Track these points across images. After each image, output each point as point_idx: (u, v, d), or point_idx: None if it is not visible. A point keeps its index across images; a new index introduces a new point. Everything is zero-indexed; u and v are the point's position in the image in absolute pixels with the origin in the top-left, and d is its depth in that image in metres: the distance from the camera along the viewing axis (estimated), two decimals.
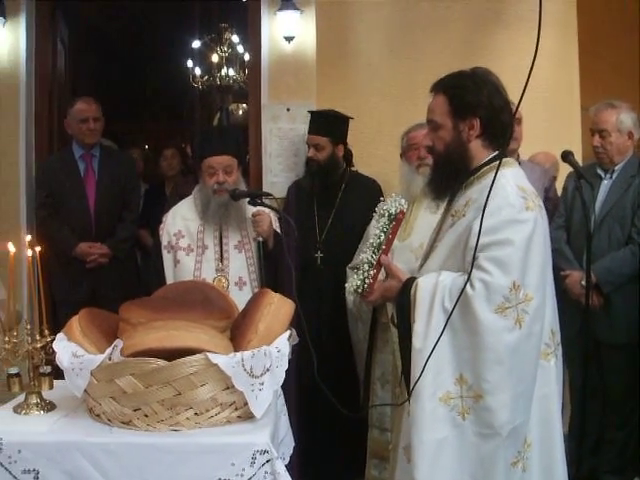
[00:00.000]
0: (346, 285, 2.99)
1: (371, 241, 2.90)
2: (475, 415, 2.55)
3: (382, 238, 2.88)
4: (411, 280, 2.74)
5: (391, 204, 2.90)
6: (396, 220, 2.89)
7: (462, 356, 2.56)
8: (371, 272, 2.85)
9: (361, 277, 2.87)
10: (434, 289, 2.62)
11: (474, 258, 2.54)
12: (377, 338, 4.09)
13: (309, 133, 4.81)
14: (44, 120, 5.74)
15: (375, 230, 2.92)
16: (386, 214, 2.90)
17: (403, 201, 2.93)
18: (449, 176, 2.85)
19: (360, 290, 2.88)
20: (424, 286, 2.66)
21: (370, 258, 2.86)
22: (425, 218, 3.94)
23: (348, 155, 4.88)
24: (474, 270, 2.55)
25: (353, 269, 4.25)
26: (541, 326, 2.63)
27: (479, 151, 2.79)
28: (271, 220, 3.85)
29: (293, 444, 2.94)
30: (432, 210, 3.85)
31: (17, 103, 5.42)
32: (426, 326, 2.59)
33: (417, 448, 2.55)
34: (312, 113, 4.87)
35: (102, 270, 5.16)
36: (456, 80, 2.81)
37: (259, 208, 3.77)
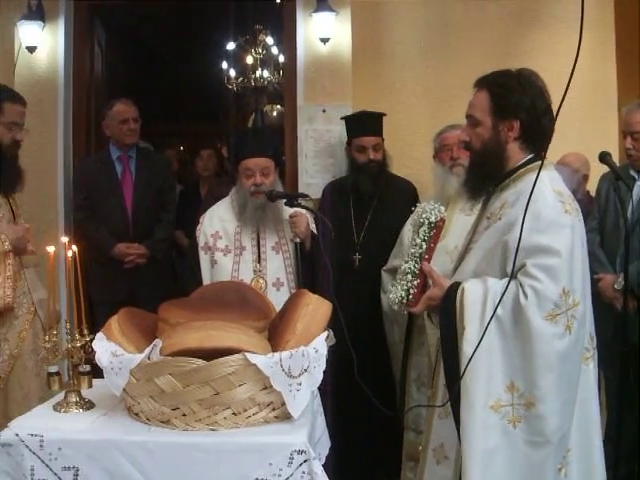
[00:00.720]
0: (390, 296, 2.96)
1: (412, 251, 2.88)
2: (526, 423, 2.54)
3: (424, 247, 2.86)
4: (455, 285, 2.71)
5: (430, 212, 2.87)
6: (436, 228, 2.86)
7: (513, 363, 2.55)
8: (415, 282, 2.84)
9: (405, 287, 2.85)
10: (484, 295, 2.60)
11: (514, 265, 2.53)
12: (413, 340, 4.08)
13: (363, 134, 4.75)
14: (82, 122, 5.83)
15: (416, 239, 2.89)
16: (426, 222, 2.87)
17: (442, 208, 2.91)
18: (485, 176, 2.83)
19: (405, 301, 2.86)
20: (473, 292, 2.63)
21: (413, 268, 2.85)
22: (460, 219, 3.92)
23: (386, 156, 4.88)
24: (523, 277, 2.54)
25: (388, 272, 4.25)
26: (584, 331, 2.63)
27: (516, 153, 2.77)
28: (308, 221, 3.85)
29: (329, 444, 2.93)
30: (467, 212, 3.85)
31: (55, 106, 5.51)
32: (478, 333, 2.56)
33: (469, 457, 2.53)
34: (364, 114, 4.84)
35: (139, 270, 5.21)
36: (501, 79, 2.78)
37: (296, 209, 3.77)
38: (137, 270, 5.21)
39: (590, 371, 2.71)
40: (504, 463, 2.53)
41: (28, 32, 5.52)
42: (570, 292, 2.53)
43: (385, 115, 4.80)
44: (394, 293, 2.90)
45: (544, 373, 2.51)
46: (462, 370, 2.56)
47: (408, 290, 2.85)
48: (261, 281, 3.78)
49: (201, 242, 3.93)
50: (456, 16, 5.63)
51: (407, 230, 4.18)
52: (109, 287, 5.15)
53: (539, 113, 2.72)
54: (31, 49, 5.53)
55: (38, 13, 5.51)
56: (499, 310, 2.55)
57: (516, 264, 2.55)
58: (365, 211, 4.68)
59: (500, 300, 2.53)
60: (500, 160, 2.78)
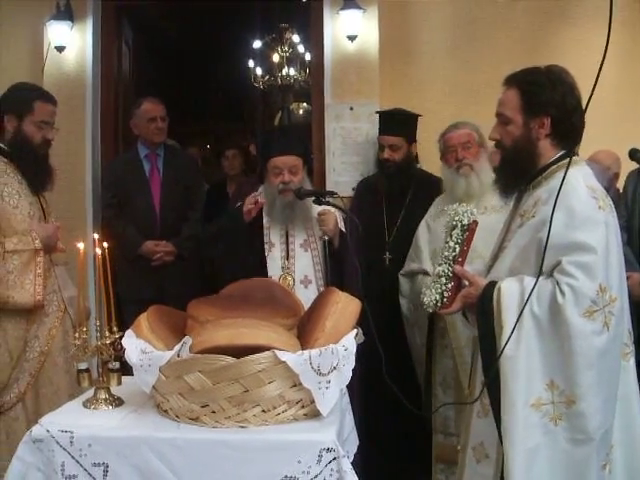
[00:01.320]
0: (424, 299, 2.95)
1: (446, 254, 2.88)
2: (568, 421, 2.53)
3: (457, 250, 2.86)
4: (491, 285, 2.71)
5: (463, 214, 2.88)
6: (469, 230, 2.87)
7: (553, 361, 2.55)
8: (449, 285, 2.83)
9: (439, 291, 2.85)
10: (521, 295, 2.59)
11: (542, 262, 2.54)
12: (436, 343, 4.07)
13: (382, 133, 4.78)
14: (110, 121, 5.86)
15: (449, 242, 2.89)
16: (459, 225, 2.88)
17: (475, 210, 2.92)
18: (516, 174, 2.83)
19: (439, 304, 2.86)
20: (509, 291, 2.63)
21: (447, 271, 2.84)
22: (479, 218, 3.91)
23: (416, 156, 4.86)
24: (559, 275, 2.54)
25: (406, 276, 4.22)
26: (623, 327, 2.61)
27: (547, 150, 2.77)
28: (337, 219, 3.84)
29: (357, 442, 2.93)
30: (480, 210, 3.85)
31: (84, 105, 5.55)
32: (517, 332, 2.56)
33: (511, 456, 2.52)
34: (383, 113, 4.84)
35: (166, 268, 5.23)
36: (531, 76, 2.78)
37: (325, 207, 3.77)
38: (164, 268, 5.23)
39: (630, 367, 2.70)
40: (547, 461, 2.53)
41: (57, 32, 5.56)
42: (607, 288, 2.52)
43: (419, 115, 4.80)
44: (428, 296, 2.89)
45: (584, 370, 2.50)
46: (501, 370, 2.56)
47: (442, 293, 2.85)
48: (289, 278, 3.78)
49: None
50: (484, 13, 5.60)
51: (422, 232, 4.17)
52: (137, 285, 5.17)
53: (569, 109, 2.71)
54: (60, 49, 5.58)
55: (67, 13, 5.55)
56: (536, 309, 2.55)
57: (552, 262, 2.56)
58: (397, 209, 4.65)
59: (528, 298, 2.54)
60: (532, 157, 2.77)
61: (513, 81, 2.80)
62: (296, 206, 3.83)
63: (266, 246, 3.88)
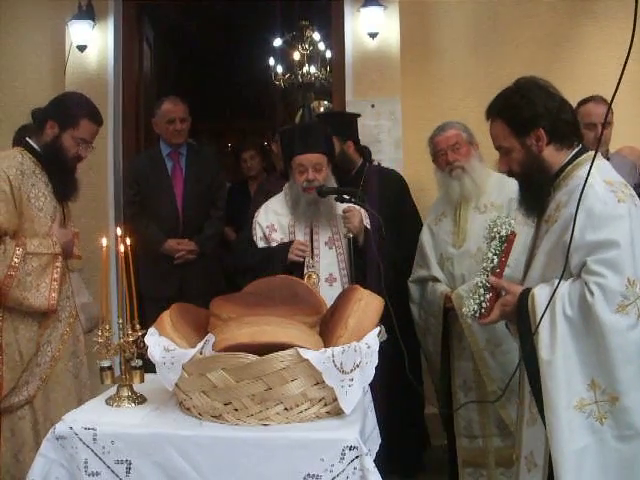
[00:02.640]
0: (463, 310, 3.02)
1: (484, 265, 2.91)
2: (613, 418, 2.52)
3: (495, 261, 2.89)
4: (526, 292, 2.73)
5: (501, 225, 2.91)
6: (507, 242, 2.90)
7: (591, 361, 2.54)
8: (487, 296, 2.87)
9: (477, 301, 2.88)
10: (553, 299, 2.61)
11: (567, 259, 2.55)
12: (453, 348, 4.07)
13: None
14: (131, 120, 5.89)
15: (487, 253, 2.92)
16: (497, 236, 2.91)
17: (513, 222, 2.94)
18: (536, 192, 2.86)
19: (478, 315, 2.90)
20: (541, 297, 2.64)
21: (485, 282, 2.87)
22: (476, 220, 3.93)
23: (364, 151, 4.90)
24: (586, 275, 2.54)
25: (415, 283, 4.20)
26: None
27: (554, 156, 2.79)
28: (362, 216, 3.84)
29: (379, 440, 2.92)
30: (481, 210, 3.83)
31: (106, 103, 5.55)
32: (551, 337, 2.57)
33: (559, 461, 2.52)
34: (318, 116, 4.89)
35: (188, 266, 5.23)
36: (506, 100, 2.84)
37: (350, 204, 3.77)
38: (186, 266, 5.24)
39: None
40: (596, 461, 2.52)
41: (78, 31, 5.60)
42: (636, 281, 2.52)
43: (341, 113, 4.97)
44: (467, 307, 2.93)
45: (623, 366, 2.49)
46: (541, 375, 2.58)
47: (480, 304, 2.88)
48: (314, 276, 3.77)
49: (258, 233, 3.96)
50: (505, 9, 5.56)
51: (425, 239, 4.15)
52: (158, 283, 5.19)
53: (555, 112, 2.76)
54: (81, 48, 5.62)
55: (88, 12, 5.59)
56: (568, 311, 2.56)
57: (578, 263, 2.57)
58: None
59: (550, 301, 2.55)
60: (542, 171, 2.80)
61: (493, 112, 2.87)
62: (320, 203, 3.83)
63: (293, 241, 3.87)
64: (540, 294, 2.65)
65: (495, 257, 2.89)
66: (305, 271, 3.81)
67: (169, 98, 5.43)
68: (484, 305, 2.86)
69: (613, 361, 2.49)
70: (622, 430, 2.51)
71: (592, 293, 2.51)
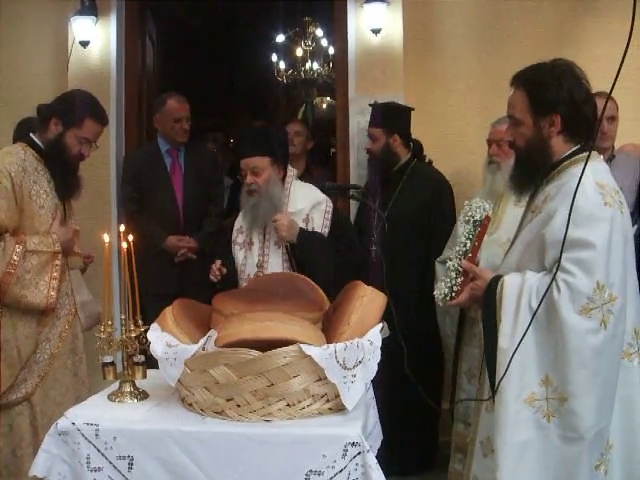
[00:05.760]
0: (435, 292, 3.01)
1: (457, 248, 2.91)
2: (560, 418, 2.53)
3: (468, 245, 2.88)
4: (496, 278, 2.72)
5: (475, 210, 2.91)
6: (481, 226, 2.89)
7: (547, 357, 2.55)
8: (458, 279, 2.87)
9: (449, 285, 2.89)
10: (520, 289, 2.61)
11: (560, 259, 2.51)
12: (465, 332, 4.05)
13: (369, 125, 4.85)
14: (134, 116, 5.87)
15: (461, 237, 2.92)
16: (471, 221, 2.91)
17: (487, 206, 2.93)
18: (530, 172, 2.83)
19: (448, 298, 2.90)
20: (510, 285, 2.64)
21: (457, 265, 2.87)
22: (512, 212, 3.89)
23: (415, 147, 4.87)
24: (558, 272, 2.52)
25: (441, 263, 4.20)
26: (624, 326, 2.58)
27: (560, 146, 2.76)
28: (292, 223, 3.77)
29: (381, 437, 2.92)
30: (520, 204, 3.81)
31: (108, 99, 5.53)
32: (512, 326, 2.58)
33: (501, 449, 2.54)
34: (370, 106, 4.89)
35: (188, 263, 5.21)
36: (536, 74, 2.77)
37: (278, 214, 3.76)
38: (186, 263, 5.22)
39: (634, 367, 2.66)
40: (537, 457, 2.53)
41: (81, 27, 5.59)
42: (606, 286, 2.51)
43: (393, 105, 4.86)
44: (438, 290, 2.94)
45: (577, 368, 2.49)
46: (497, 363, 2.59)
47: (452, 287, 2.88)
48: (261, 275, 3.79)
49: (233, 235, 4.00)
50: (508, 5, 5.54)
51: (459, 221, 4.15)
52: (158, 279, 5.15)
53: (579, 103, 2.70)
54: (84, 43, 5.61)
55: (91, 8, 5.59)
56: (534, 303, 2.56)
57: (552, 258, 2.57)
58: (385, 203, 4.68)
59: (542, 298, 2.53)
60: (544, 156, 2.77)
61: (520, 81, 2.80)
62: (260, 207, 3.81)
63: (247, 245, 3.91)
64: (511, 283, 2.64)
65: (468, 241, 2.88)
66: (252, 270, 3.84)
67: (173, 96, 5.39)
68: (455, 289, 2.86)
69: (568, 362, 2.49)
70: (567, 431, 2.51)
71: (559, 290, 2.50)
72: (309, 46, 10.11)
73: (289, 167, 3.95)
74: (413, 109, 4.87)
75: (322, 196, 3.87)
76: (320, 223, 3.84)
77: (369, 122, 4.85)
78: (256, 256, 3.86)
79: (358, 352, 2.42)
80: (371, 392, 2.89)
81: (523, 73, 2.81)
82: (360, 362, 2.42)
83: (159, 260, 5.19)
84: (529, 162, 2.80)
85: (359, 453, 2.30)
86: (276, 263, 3.82)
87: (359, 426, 2.38)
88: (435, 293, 2.98)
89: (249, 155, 3.81)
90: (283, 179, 3.88)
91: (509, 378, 2.53)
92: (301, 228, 3.77)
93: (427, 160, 4.97)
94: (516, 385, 2.54)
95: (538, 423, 2.53)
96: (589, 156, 2.54)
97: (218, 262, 3.79)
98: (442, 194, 4.75)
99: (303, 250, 3.74)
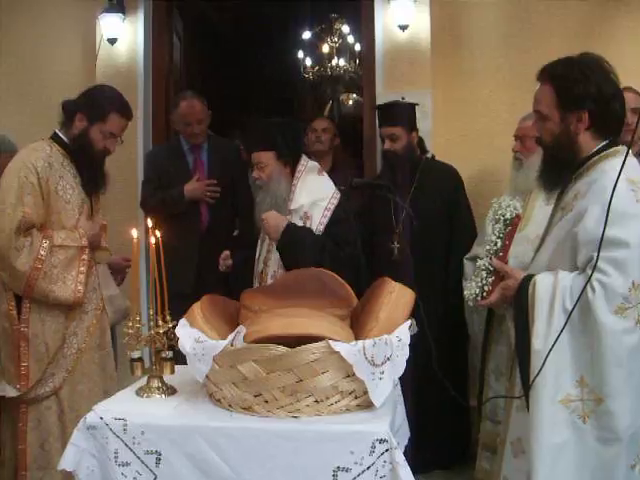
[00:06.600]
0: (465, 292, 2.99)
1: (487, 247, 2.88)
2: (596, 419, 2.49)
3: (499, 244, 2.86)
4: (528, 278, 2.68)
5: (506, 209, 2.88)
6: (512, 225, 2.86)
7: (582, 358, 2.51)
8: (489, 279, 2.84)
9: (479, 284, 2.86)
10: (553, 289, 2.56)
11: (597, 259, 2.46)
12: (493, 330, 4.03)
13: (380, 126, 4.84)
14: (161, 112, 5.90)
15: (491, 236, 2.89)
16: (501, 219, 2.88)
17: (518, 205, 2.91)
18: (558, 170, 2.78)
19: (479, 298, 2.88)
20: (543, 286, 2.60)
21: (487, 265, 2.85)
22: (542, 209, 3.85)
23: (420, 142, 4.87)
24: (591, 271, 2.48)
25: (470, 260, 4.18)
26: None
27: (588, 142, 2.70)
28: (276, 223, 3.71)
29: (409, 434, 2.91)
30: (550, 202, 3.78)
31: (135, 96, 5.58)
32: (546, 327, 2.54)
33: (536, 452, 2.50)
34: (379, 106, 4.91)
35: (204, 262, 5.05)
36: (563, 69, 2.70)
37: (267, 213, 3.72)
38: (201, 262, 5.12)
39: None
40: (574, 458, 2.49)
41: (109, 24, 5.65)
42: None
43: (405, 102, 4.84)
44: (468, 289, 2.91)
45: (613, 369, 2.45)
46: (531, 364, 2.54)
47: (482, 287, 2.86)
48: (267, 270, 3.81)
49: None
50: (537, 1, 5.50)
51: (488, 219, 4.13)
52: (173, 278, 5.10)
53: (607, 99, 2.64)
54: (112, 41, 5.66)
55: (118, 5, 5.65)
56: (568, 304, 2.51)
57: (585, 257, 2.52)
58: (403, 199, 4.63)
59: (578, 299, 2.49)
60: (572, 152, 2.71)
61: (546, 76, 2.74)
62: (264, 204, 3.80)
63: (260, 241, 3.95)
64: (543, 283, 2.60)
65: (499, 240, 2.85)
66: (261, 266, 3.86)
67: (186, 97, 5.31)
68: (486, 288, 2.84)
69: (604, 362, 2.45)
70: (603, 432, 2.48)
71: (594, 290, 2.46)
72: (335, 43, 10.11)
73: (302, 161, 3.88)
74: (416, 104, 4.87)
75: (329, 192, 3.82)
76: (317, 220, 3.77)
77: (383, 122, 4.82)
78: (264, 252, 3.88)
79: (386, 349, 2.40)
80: (398, 389, 2.87)
81: (550, 67, 2.75)
82: (388, 359, 2.40)
83: (176, 258, 5.13)
84: (556, 159, 2.76)
85: (387, 450, 2.29)
86: (275, 260, 3.81)
87: (387, 423, 2.37)
88: (465, 293, 2.96)
89: (253, 150, 3.83)
90: (293, 174, 3.84)
91: (544, 380, 2.50)
92: (288, 225, 3.71)
93: (431, 155, 4.98)
94: (551, 387, 2.50)
95: (574, 424, 2.49)
96: (627, 154, 2.49)
97: (225, 253, 3.82)
98: (460, 188, 4.78)
99: (283, 247, 3.69)
